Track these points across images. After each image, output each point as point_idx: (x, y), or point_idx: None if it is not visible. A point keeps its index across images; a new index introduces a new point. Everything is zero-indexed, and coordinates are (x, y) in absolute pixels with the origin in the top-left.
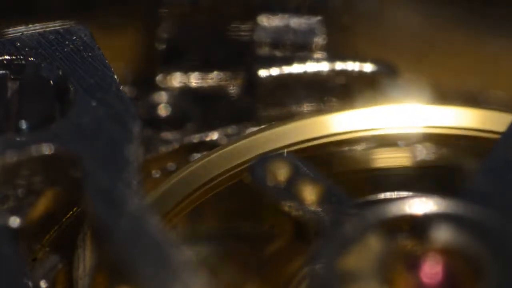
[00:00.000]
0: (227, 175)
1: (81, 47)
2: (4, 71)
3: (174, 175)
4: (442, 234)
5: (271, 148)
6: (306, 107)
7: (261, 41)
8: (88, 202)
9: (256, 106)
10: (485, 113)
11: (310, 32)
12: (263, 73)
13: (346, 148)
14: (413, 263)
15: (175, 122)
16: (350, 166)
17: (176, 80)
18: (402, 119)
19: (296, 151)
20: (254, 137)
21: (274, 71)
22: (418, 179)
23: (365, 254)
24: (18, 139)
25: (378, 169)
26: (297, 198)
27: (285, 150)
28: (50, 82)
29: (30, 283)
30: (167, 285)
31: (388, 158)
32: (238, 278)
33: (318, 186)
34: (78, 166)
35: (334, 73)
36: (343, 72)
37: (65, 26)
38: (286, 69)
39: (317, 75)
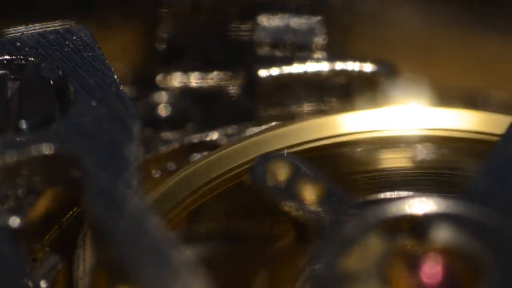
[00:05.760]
0: (228, 175)
1: (81, 47)
2: (4, 71)
3: (174, 175)
4: (442, 234)
5: (271, 149)
6: (306, 107)
7: (261, 41)
8: (88, 202)
9: (256, 106)
10: (485, 115)
11: (310, 32)
12: (263, 73)
13: (347, 149)
14: (413, 263)
15: (175, 122)
16: (350, 167)
17: (176, 80)
18: (402, 121)
19: (296, 152)
20: (254, 138)
21: (274, 71)
22: (418, 180)
23: (365, 254)
24: (18, 139)
25: (378, 169)
26: (297, 198)
27: (285, 151)
28: (50, 82)
29: (30, 283)
30: (167, 285)
31: (388, 159)
32: (238, 278)
33: (318, 186)
34: (78, 166)
35: (334, 73)
36: (343, 72)
37: (65, 26)
38: (286, 69)
39: (317, 75)
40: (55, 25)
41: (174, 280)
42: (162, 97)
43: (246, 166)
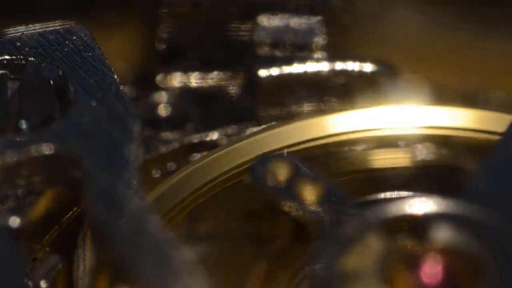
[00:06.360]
0: (228, 175)
1: (81, 47)
2: (4, 71)
3: (174, 175)
4: (442, 234)
5: (271, 148)
6: (306, 107)
7: (261, 41)
8: (88, 202)
9: (256, 106)
10: (485, 114)
11: (310, 32)
12: (263, 73)
13: (346, 149)
14: (413, 263)
15: (175, 122)
16: (350, 166)
17: (176, 80)
18: (402, 119)
19: (296, 151)
20: (254, 138)
21: (274, 71)
22: (418, 179)
23: (365, 254)
24: (18, 139)
25: (378, 169)
26: (297, 198)
27: (285, 150)
28: (50, 82)
29: (30, 283)
30: (167, 285)
31: (388, 159)
32: (238, 278)
33: (318, 186)
34: (78, 166)
35: (334, 73)
36: (343, 72)
37: (65, 26)
38: (286, 69)
39: (317, 75)
40: (55, 25)
41: (174, 280)
42: (162, 97)
43: (246, 166)
